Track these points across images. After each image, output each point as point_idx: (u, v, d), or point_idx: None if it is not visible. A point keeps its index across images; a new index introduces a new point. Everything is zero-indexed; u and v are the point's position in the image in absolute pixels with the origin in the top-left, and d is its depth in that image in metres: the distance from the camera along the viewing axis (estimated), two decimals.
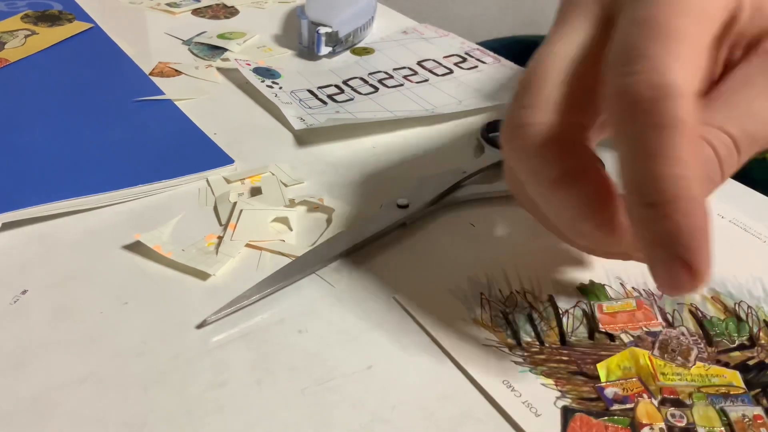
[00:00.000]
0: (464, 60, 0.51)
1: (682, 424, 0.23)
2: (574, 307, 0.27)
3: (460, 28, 0.62)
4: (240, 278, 0.28)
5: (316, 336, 0.26)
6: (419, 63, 0.50)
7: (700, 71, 0.20)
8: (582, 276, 0.29)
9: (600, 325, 0.26)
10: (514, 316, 0.27)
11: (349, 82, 0.46)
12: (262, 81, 0.45)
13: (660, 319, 0.27)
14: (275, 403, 0.23)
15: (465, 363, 0.24)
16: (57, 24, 0.54)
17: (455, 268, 0.29)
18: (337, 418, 0.22)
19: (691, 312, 0.27)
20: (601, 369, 0.24)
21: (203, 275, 0.28)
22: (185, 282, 0.28)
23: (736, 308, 0.27)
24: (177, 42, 0.53)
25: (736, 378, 0.24)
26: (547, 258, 0.28)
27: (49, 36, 0.52)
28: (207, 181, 0.35)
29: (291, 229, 0.32)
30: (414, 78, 0.47)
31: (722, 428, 0.22)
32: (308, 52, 0.51)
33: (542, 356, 0.25)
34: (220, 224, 0.32)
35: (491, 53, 0.52)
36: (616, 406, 0.23)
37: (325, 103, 0.43)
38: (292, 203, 0.33)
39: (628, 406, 0.23)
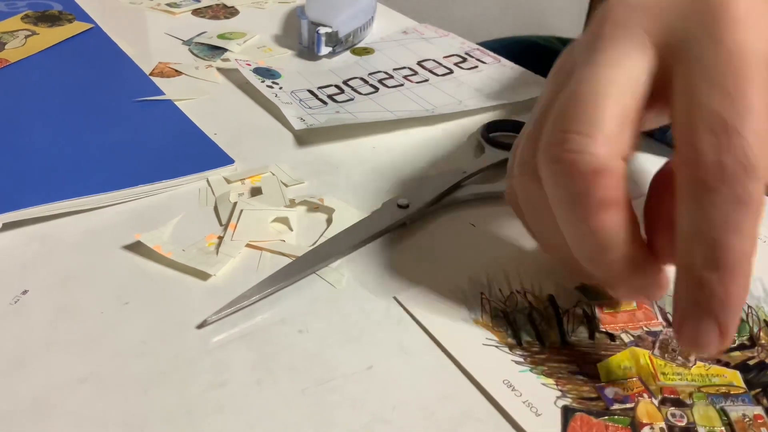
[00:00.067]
0: (464, 60, 0.51)
1: (683, 423, 0.23)
2: (575, 306, 0.27)
3: (460, 28, 0.62)
4: (240, 278, 0.28)
5: (317, 336, 0.26)
6: (419, 63, 0.50)
7: None
8: None
9: (600, 325, 0.26)
10: (514, 316, 0.27)
11: (350, 82, 0.46)
12: (262, 81, 0.45)
13: (660, 319, 0.27)
14: (275, 404, 0.23)
15: (466, 363, 0.24)
16: (57, 24, 0.54)
17: (456, 268, 0.29)
18: (338, 419, 0.22)
19: None
20: (602, 369, 0.24)
21: (203, 275, 0.28)
22: (185, 282, 0.28)
23: None
24: (177, 42, 0.53)
25: (736, 378, 0.24)
26: (547, 258, 0.28)
27: (49, 36, 0.52)
28: (207, 181, 0.35)
29: (291, 229, 0.32)
30: (414, 78, 0.47)
31: (722, 428, 0.22)
32: (308, 52, 0.51)
33: (543, 356, 0.25)
34: (221, 224, 0.32)
35: (491, 53, 0.52)
36: (616, 406, 0.23)
37: (325, 103, 0.43)
38: (292, 203, 0.33)
39: (629, 405, 0.23)
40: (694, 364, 0.25)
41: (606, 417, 0.23)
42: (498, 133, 0.41)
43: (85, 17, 0.56)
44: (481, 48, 0.53)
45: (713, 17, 0.22)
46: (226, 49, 0.51)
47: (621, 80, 0.22)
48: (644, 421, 0.22)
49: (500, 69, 0.50)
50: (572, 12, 1.74)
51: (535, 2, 1.81)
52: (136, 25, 0.57)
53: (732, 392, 0.24)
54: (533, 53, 0.71)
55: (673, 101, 0.22)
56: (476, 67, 0.50)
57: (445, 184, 0.34)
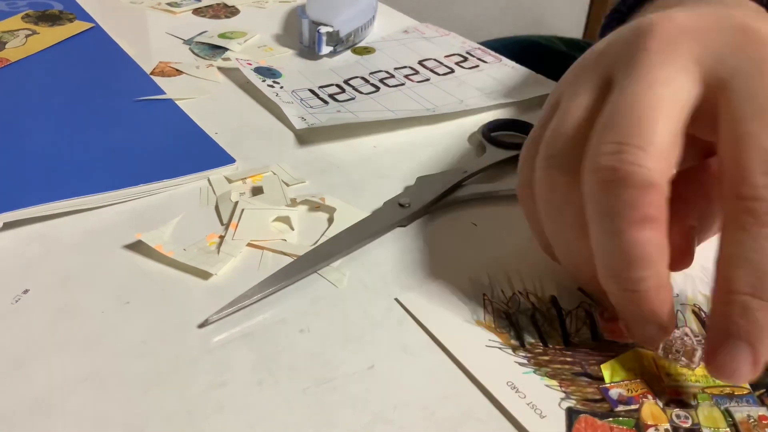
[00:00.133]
0: (465, 59, 0.51)
1: (687, 424, 0.22)
2: (577, 307, 0.27)
3: (461, 27, 0.62)
4: (241, 278, 0.28)
5: (318, 336, 0.26)
6: (420, 62, 0.50)
7: None
8: None
9: (605, 334, 0.26)
10: (517, 317, 0.27)
11: (350, 82, 0.46)
12: (263, 80, 0.45)
13: None
14: (276, 403, 0.23)
15: (469, 364, 0.24)
16: (58, 24, 0.54)
17: (457, 268, 0.29)
18: (339, 418, 0.22)
19: (694, 313, 0.27)
20: (606, 370, 0.24)
21: (205, 275, 0.28)
22: (186, 281, 0.28)
23: None
24: (178, 41, 0.53)
25: None
26: (549, 258, 0.28)
27: (49, 36, 0.51)
28: (208, 180, 0.35)
29: (292, 229, 0.32)
30: (415, 77, 0.47)
31: (727, 429, 0.22)
32: (309, 51, 0.51)
33: (546, 357, 0.25)
34: (222, 224, 0.32)
35: (492, 53, 0.52)
36: (620, 407, 0.23)
37: (326, 102, 0.43)
38: (293, 202, 0.33)
39: (633, 407, 0.23)
40: (698, 365, 0.24)
41: (610, 418, 0.22)
42: (499, 132, 0.41)
43: (85, 17, 0.56)
44: (482, 47, 0.53)
45: (766, 53, 0.22)
46: (226, 49, 0.51)
47: (673, 101, 0.22)
48: (649, 423, 0.22)
49: (501, 68, 0.50)
50: (572, 12, 1.74)
51: (536, 2, 1.81)
52: (136, 25, 0.57)
53: (736, 393, 0.23)
54: (534, 53, 0.71)
55: (720, 134, 0.22)
56: (477, 66, 0.50)
57: (446, 183, 0.34)
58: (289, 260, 0.29)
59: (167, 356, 0.24)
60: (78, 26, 0.54)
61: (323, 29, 0.49)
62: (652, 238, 0.21)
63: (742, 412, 0.23)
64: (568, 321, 0.27)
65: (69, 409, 0.22)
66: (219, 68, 0.48)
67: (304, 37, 0.51)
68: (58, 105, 0.42)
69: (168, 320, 0.26)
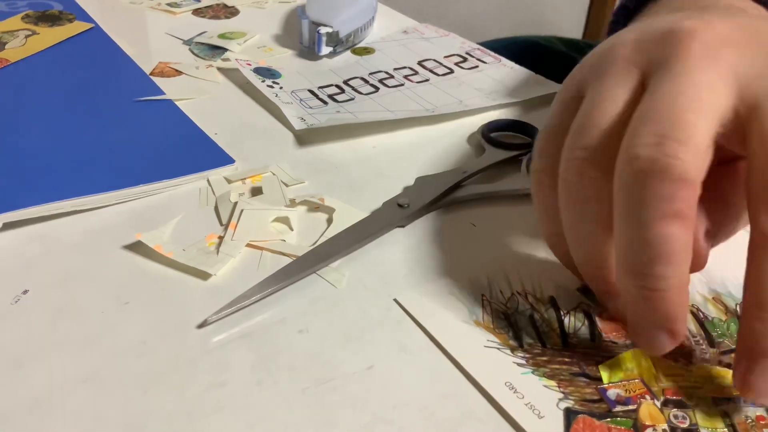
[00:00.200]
0: (465, 60, 0.51)
1: (685, 425, 0.22)
2: (576, 308, 0.27)
3: (461, 28, 0.62)
4: (241, 278, 0.28)
5: (317, 336, 0.26)
6: (420, 63, 0.50)
7: None
8: None
9: (603, 335, 0.26)
10: (515, 318, 0.27)
11: (350, 82, 0.46)
12: (263, 81, 0.45)
13: None
14: (276, 404, 0.23)
15: (467, 365, 0.24)
16: (57, 24, 0.54)
17: (456, 269, 0.29)
18: (338, 419, 0.22)
19: (692, 313, 0.27)
20: (604, 370, 0.24)
21: (204, 275, 0.28)
22: (186, 282, 0.28)
23: (737, 309, 0.27)
24: (177, 42, 0.53)
25: None
26: (548, 259, 0.28)
27: (49, 36, 0.52)
28: (208, 180, 0.35)
29: (292, 229, 0.32)
30: (414, 78, 0.47)
31: (725, 429, 0.22)
32: (309, 52, 0.51)
33: (544, 358, 0.25)
34: (221, 224, 0.32)
35: (492, 53, 0.52)
36: (618, 408, 0.23)
37: (325, 102, 0.43)
38: (292, 203, 0.33)
39: (631, 407, 0.23)
40: (696, 365, 0.24)
41: (608, 419, 0.23)
42: (498, 132, 0.41)
43: (85, 17, 0.56)
44: (481, 48, 0.53)
45: None
46: (226, 49, 0.51)
47: (711, 106, 0.22)
48: (647, 423, 0.22)
49: (501, 69, 0.50)
50: (572, 12, 1.74)
51: (535, 2, 1.81)
52: (136, 25, 0.57)
53: (734, 393, 0.24)
54: (534, 53, 0.71)
55: (752, 153, 0.22)
56: (477, 66, 0.50)
57: (446, 183, 0.34)
58: (288, 261, 0.29)
59: (167, 356, 0.25)
60: (78, 27, 0.54)
61: (323, 30, 0.49)
62: (681, 235, 0.21)
63: (739, 412, 0.23)
64: (566, 321, 0.27)
65: (68, 408, 0.22)
66: (218, 69, 0.48)
67: (304, 38, 0.51)
68: (58, 105, 0.42)
69: (167, 320, 0.26)
